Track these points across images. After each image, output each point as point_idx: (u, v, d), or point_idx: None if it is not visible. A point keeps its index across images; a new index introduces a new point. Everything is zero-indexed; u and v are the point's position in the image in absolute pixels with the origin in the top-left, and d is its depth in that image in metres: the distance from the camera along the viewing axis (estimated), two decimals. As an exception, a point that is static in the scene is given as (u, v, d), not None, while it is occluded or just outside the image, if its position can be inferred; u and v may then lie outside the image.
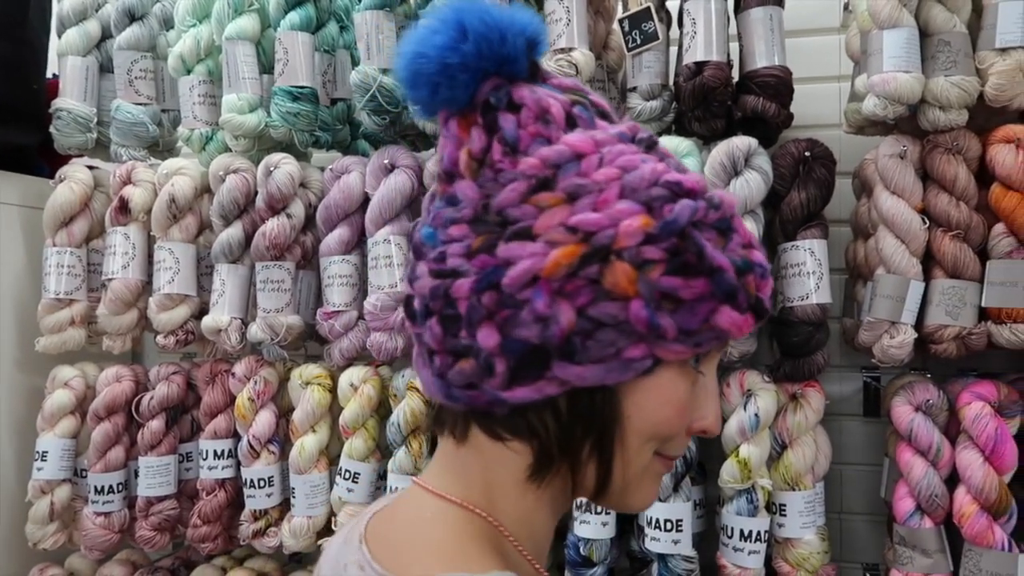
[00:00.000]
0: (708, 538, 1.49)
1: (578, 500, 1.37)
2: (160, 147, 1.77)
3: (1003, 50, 1.27)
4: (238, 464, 1.59)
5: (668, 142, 1.40)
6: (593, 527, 1.39)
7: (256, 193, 1.58)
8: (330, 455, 1.58)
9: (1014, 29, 1.26)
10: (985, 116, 1.36)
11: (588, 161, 0.60)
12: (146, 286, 1.66)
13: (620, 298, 0.57)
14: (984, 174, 1.33)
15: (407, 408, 1.47)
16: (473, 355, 0.59)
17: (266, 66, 1.64)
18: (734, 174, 1.36)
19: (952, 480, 1.32)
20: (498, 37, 0.61)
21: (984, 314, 1.30)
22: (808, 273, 1.35)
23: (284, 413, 1.62)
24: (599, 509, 1.39)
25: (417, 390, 1.48)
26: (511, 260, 0.58)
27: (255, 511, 1.56)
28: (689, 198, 0.60)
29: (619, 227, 0.57)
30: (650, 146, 0.64)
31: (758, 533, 1.35)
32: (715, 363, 0.67)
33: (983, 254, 1.32)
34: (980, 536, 1.25)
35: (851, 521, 1.65)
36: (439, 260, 0.61)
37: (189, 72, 1.64)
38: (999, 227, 1.30)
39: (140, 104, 1.69)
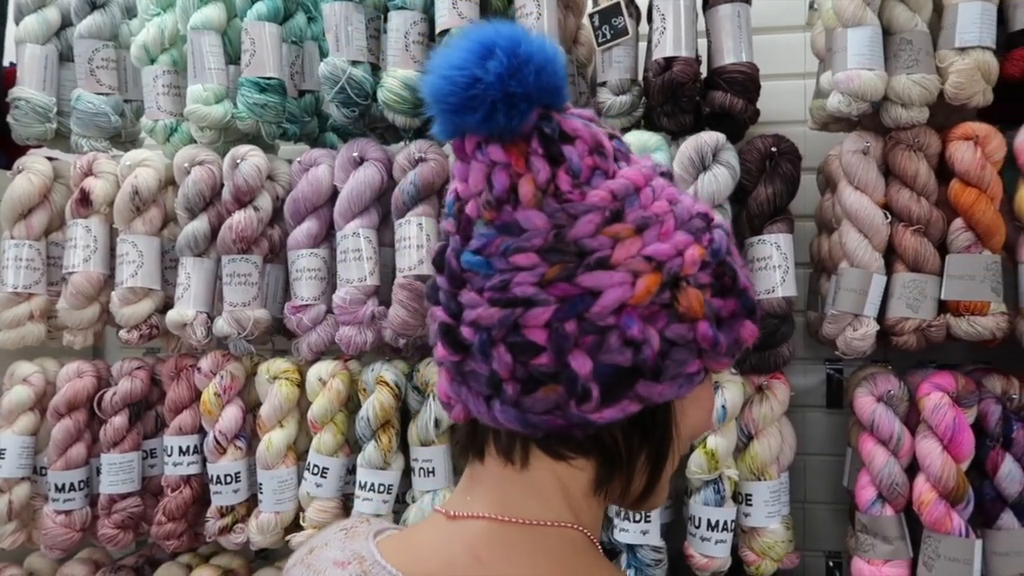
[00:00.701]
0: (676, 528, 1.51)
1: None
2: (123, 138, 1.73)
3: (962, 49, 1.30)
4: (204, 460, 1.57)
5: (637, 137, 1.42)
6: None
7: (222, 185, 1.56)
8: (298, 450, 1.57)
9: (973, 29, 1.29)
10: (945, 114, 1.39)
11: (645, 194, 0.64)
12: (108, 280, 1.63)
13: (689, 320, 0.62)
14: (944, 170, 1.36)
15: (376, 402, 1.46)
16: (562, 381, 0.61)
17: (232, 57, 1.61)
18: (702, 169, 1.37)
19: (912, 469, 1.35)
20: (553, 68, 0.62)
21: (943, 307, 1.34)
22: (774, 267, 1.38)
23: (251, 408, 1.61)
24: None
25: (387, 384, 1.47)
26: (597, 289, 0.60)
27: (221, 507, 1.54)
28: (718, 227, 0.67)
29: (684, 256, 0.63)
30: (670, 177, 0.70)
31: (725, 523, 1.37)
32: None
33: (943, 248, 1.35)
34: (939, 523, 1.28)
35: (815, 510, 1.68)
36: (501, 289, 0.61)
37: (153, 62, 1.61)
38: (958, 222, 1.33)
39: (102, 94, 1.65)
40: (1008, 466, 1.29)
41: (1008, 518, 1.30)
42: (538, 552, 0.65)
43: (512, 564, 0.64)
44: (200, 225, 1.55)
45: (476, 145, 0.64)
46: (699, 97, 1.43)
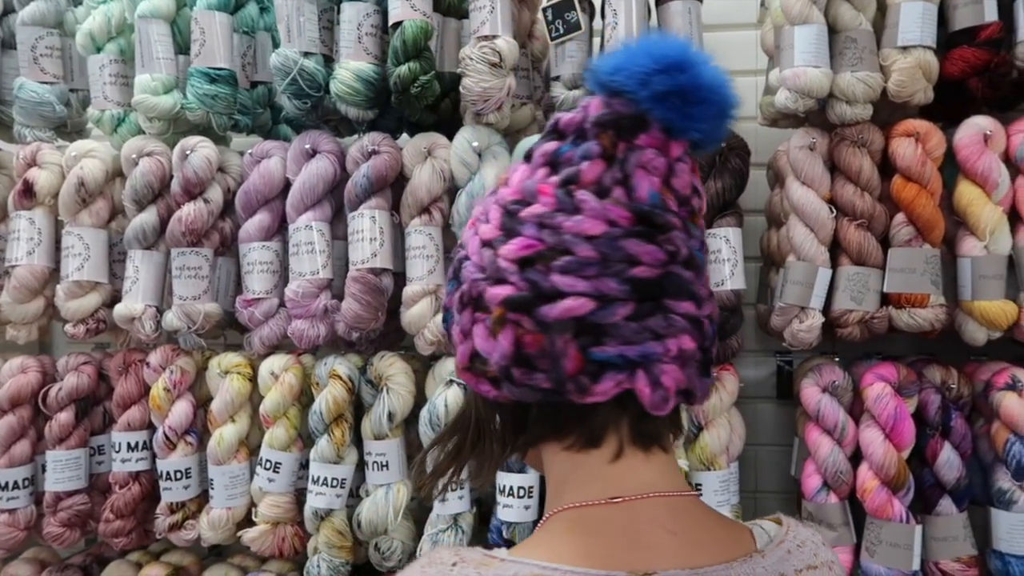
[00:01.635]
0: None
1: (500, 485, 1.39)
2: (68, 128, 1.69)
3: (905, 48, 1.33)
4: (153, 456, 1.55)
5: (590, 131, 1.42)
6: (516, 511, 1.40)
7: (171, 177, 1.53)
8: (250, 445, 1.55)
9: (914, 28, 1.33)
10: (889, 111, 1.42)
11: None
12: (53, 273, 1.59)
13: None
14: (887, 166, 1.40)
15: (329, 396, 1.45)
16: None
17: (182, 46, 1.59)
18: (653, 163, 1.39)
19: (856, 457, 1.38)
20: None
21: (886, 299, 1.37)
22: (723, 260, 1.40)
23: (202, 403, 1.58)
24: (522, 493, 1.41)
25: (340, 378, 1.46)
26: None
27: (171, 504, 1.52)
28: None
29: None
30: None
31: (675, 513, 1.39)
32: None
33: (886, 242, 1.39)
34: (880, 509, 1.32)
35: (765, 499, 1.71)
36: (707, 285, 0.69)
37: (99, 50, 1.58)
38: (899, 216, 1.36)
39: (46, 83, 1.61)
40: (947, 454, 1.33)
41: (946, 504, 1.34)
42: (711, 515, 0.70)
43: (704, 530, 0.67)
44: (149, 217, 1.53)
45: (681, 151, 0.66)
46: (651, 92, 1.44)
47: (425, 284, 1.44)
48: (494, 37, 1.38)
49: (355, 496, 1.53)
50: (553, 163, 0.67)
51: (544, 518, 0.68)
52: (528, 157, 0.70)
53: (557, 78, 1.49)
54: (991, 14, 1.33)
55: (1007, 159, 1.35)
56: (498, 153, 1.47)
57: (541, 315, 0.62)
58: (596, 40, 1.55)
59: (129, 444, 1.53)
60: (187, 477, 1.51)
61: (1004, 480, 1.33)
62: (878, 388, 1.35)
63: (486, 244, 0.66)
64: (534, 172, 0.68)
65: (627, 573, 0.61)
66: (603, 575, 0.61)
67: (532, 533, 0.71)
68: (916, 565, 1.31)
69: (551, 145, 0.68)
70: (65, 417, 1.53)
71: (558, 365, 0.62)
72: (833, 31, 1.37)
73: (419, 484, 0.77)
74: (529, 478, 1.40)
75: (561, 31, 1.46)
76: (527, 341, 0.63)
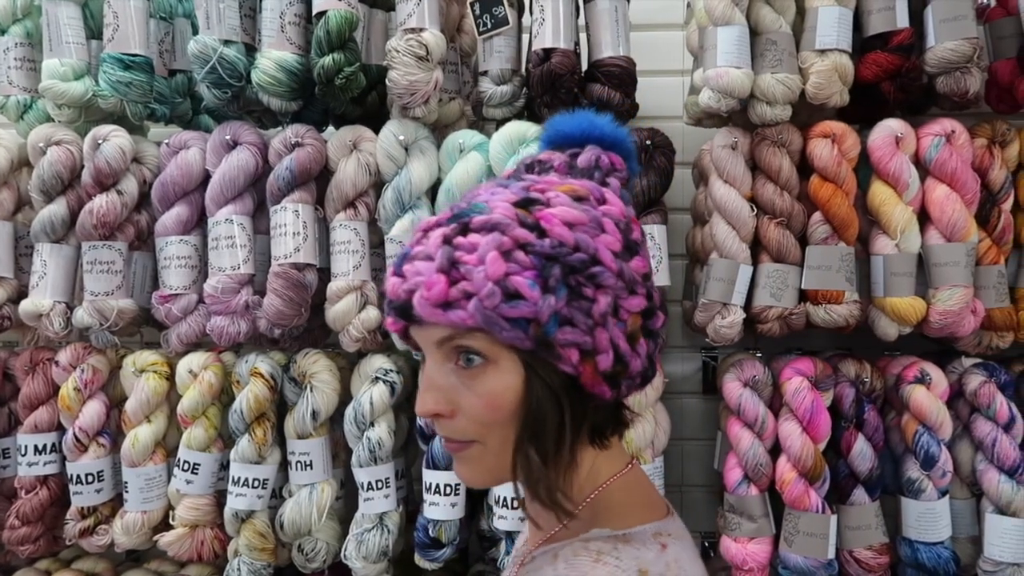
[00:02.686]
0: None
1: (427, 483, 1.38)
2: (-29, 115, 1.60)
3: (822, 51, 1.37)
4: (63, 459, 1.48)
5: (518, 127, 1.42)
6: (442, 508, 1.39)
7: (82, 167, 1.47)
8: (167, 447, 1.50)
9: (831, 32, 1.36)
10: (808, 113, 1.46)
11: None
12: (-46, 267, 1.50)
13: None
14: (806, 166, 1.44)
15: (250, 394, 1.41)
16: None
17: (94, 31, 1.52)
18: (580, 160, 1.39)
19: (776, 450, 1.42)
20: None
21: (804, 296, 1.41)
22: (649, 256, 1.41)
23: (116, 403, 1.52)
24: (448, 491, 1.40)
25: (261, 375, 1.42)
26: None
27: (82, 508, 1.45)
28: None
29: None
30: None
31: (601, 507, 1.40)
32: (429, 357, 0.73)
33: (804, 241, 1.42)
34: (798, 500, 1.35)
35: (691, 492, 1.74)
36: None
37: (3, 33, 1.50)
38: (817, 215, 1.40)
39: (-55, 66, 1.52)
40: (860, 445, 1.38)
41: (860, 494, 1.38)
42: None
43: None
44: (57, 209, 1.46)
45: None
46: (578, 89, 1.45)
47: (350, 280, 1.41)
48: (421, 30, 1.36)
49: (278, 497, 1.49)
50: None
51: (590, 497, 0.78)
52: (590, 176, 0.79)
53: (485, 73, 1.48)
54: (903, 20, 1.38)
55: (917, 161, 1.40)
56: (425, 148, 1.45)
57: (653, 324, 0.75)
58: (524, 36, 1.55)
59: (36, 447, 1.46)
60: (99, 480, 1.45)
61: (913, 470, 1.38)
62: (796, 382, 1.38)
63: (617, 255, 0.72)
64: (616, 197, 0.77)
65: (668, 507, 0.83)
66: (668, 517, 0.81)
67: (586, 511, 0.78)
68: (831, 554, 1.35)
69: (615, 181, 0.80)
70: (-34, 419, 1.45)
71: (652, 368, 0.76)
72: (755, 33, 1.40)
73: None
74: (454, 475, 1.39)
75: (489, 26, 1.45)
76: (650, 349, 0.75)
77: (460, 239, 0.68)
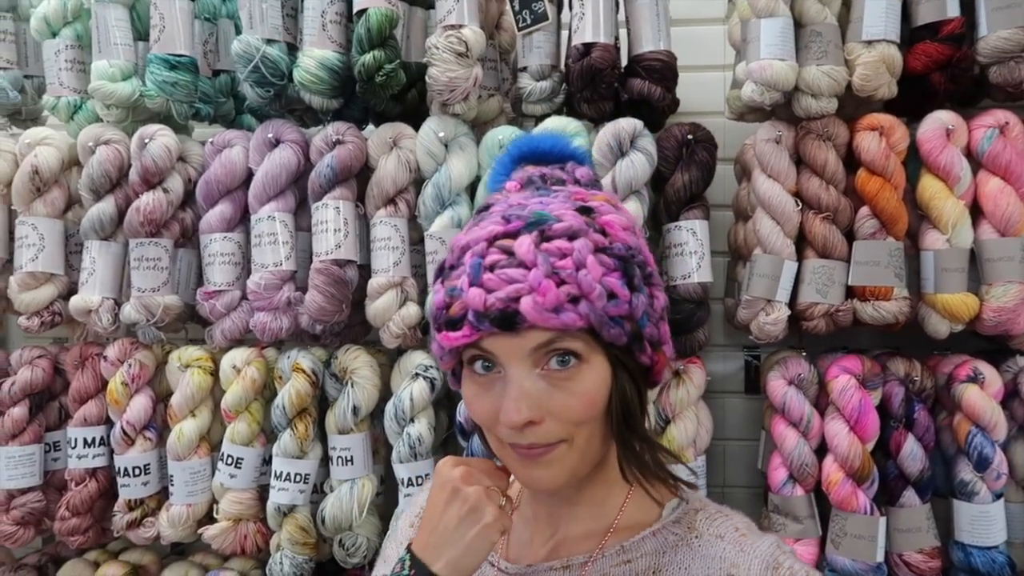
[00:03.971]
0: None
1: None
2: (23, 116, 1.65)
3: (869, 42, 1.34)
4: (111, 452, 1.51)
5: (557, 122, 1.42)
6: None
7: (130, 166, 1.50)
8: (211, 441, 1.52)
9: (878, 23, 1.33)
10: (854, 105, 1.43)
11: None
12: (7, 264, 1.55)
13: None
14: (852, 160, 1.41)
15: (292, 390, 1.42)
16: None
17: (141, 32, 1.55)
18: (620, 155, 1.38)
19: (822, 450, 1.39)
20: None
21: (851, 292, 1.38)
22: (690, 253, 1.40)
23: (162, 398, 1.55)
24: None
25: (303, 371, 1.44)
26: None
27: (130, 501, 1.48)
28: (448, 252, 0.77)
29: None
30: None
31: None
32: (515, 366, 0.73)
33: (850, 236, 1.39)
34: (845, 501, 1.32)
35: (733, 494, 1.71)
36: None
37: (54, 35, 1.53)
38: (864, 210, 1.37)
39: (-1, 68, 1.57)
40: (910, 446, 1.34)
41: (910, 495, 1.34)
42: None
43: None
44: (106, 207, 1.49)
45: None
46: (618, 84, 1.44)
47: (391, 276, 1.42)
48: (460, 26, 1.36)
49: (319, 492, 1.50)
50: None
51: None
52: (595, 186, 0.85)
53: (524, 69, 1.47)
54: (953, 9, 1.34)
55: (969, 153, 1.37)
56: (465, 144, 1.45)
57: None
58: (564, 32, 1.54)
59: (86, 440, 1.49)
60: (146, 473, 1.48)
61: (966, 472, 1.34)
62: (843, 381, 1.35)
63: (649, 253, 0.79)
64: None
65: None
66: None
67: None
68: (880, 557, 1.32)
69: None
70: (18, 412, 1.49)
71: None
72: (799, 25, 1.37)
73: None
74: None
75: (528, 21, 1.44)
76: None
77: (547, 245, 0.71)
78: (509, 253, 0.71)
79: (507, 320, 0.69)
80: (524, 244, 0.70)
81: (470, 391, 0.76)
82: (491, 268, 0.70)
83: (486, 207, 0.79)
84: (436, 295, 0.75)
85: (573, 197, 0.77)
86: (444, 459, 0.81)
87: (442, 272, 0.76)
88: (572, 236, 0.71)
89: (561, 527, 0.84)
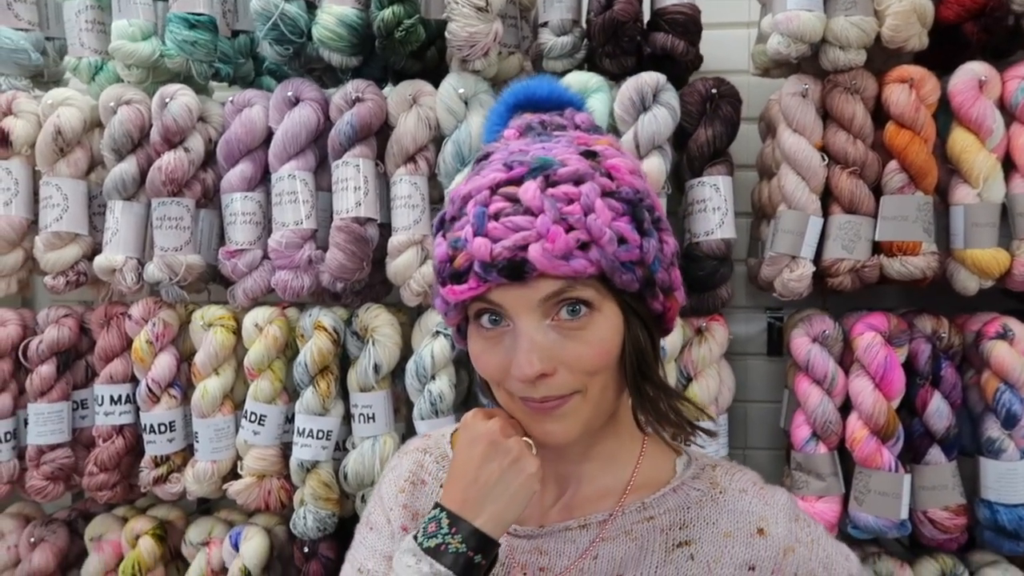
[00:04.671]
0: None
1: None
2: (45, 78, 1.65)
3: (899, -9, 1.30)
4: (137, 410, 1.53)
5: (579, 77, 1.40)
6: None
7: (151, 126, 1.50)
8: (235, 399, 1.53)
9: (910, -29, 1.29)
10: (883, 58, 1.40)
11: None
12: (32, 225, 1.56)
13: None
14: (880, 115, 1.37)
15: (314, 347, 1.43)
16: None
17: (160, -8, 1.55)
18: (642, 109, 1.36)
19: (846, 408, 1.37)
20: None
21: (877, 248, 1.36)
22: (713, 209, 1.38)
23: (186, 357, 1.56)
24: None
25: (324, 329, 1.44)
26: None
27: (156, 457, 1.50)
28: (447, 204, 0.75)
29: None
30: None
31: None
32: (524, 318, 0.70)
33: (877, 191, 1.36)
34: (869, 458, 1.31)
35: (755, 455, 1.71)
36: None
37: (75, -5, 1.53)
38: (892, 164, 1.34)
39: (20, 30, 1.57)
40: (936, 403, 1.32)
41: (936, 453, 1.33)
42: None
43: None
44: (128, 167, 1.50)
45: None
46: (640, 38, 1.41)
47: (411, 234, 1.42)
48: (480, -20, 1.34)
49: (341, 449, 1.51)
50: None
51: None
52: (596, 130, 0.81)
53: (545, 24, 1.45)
54: (988, -45, 1.30)
55: (1002, 106, 1.33)
56: (484, 101, 1.43)
57: None
58: (586, -14, 1.52)
59: (112, 397, 1.51)
60: (171, 430, 1.50)
61: (993, 429, 1.32)
62: (868, 337, 1.33)
63: (656, 199, 0.77)
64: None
65: None
66: None
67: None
68: (904, 514, 1.31)
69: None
70: (46, 370, 1.51)
71: None
72: (827, -26, 1.34)
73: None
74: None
75: (549, -26, 1.42)
76: None
77: (553, 191, 0.68)
78: (514, 200, 0.68)
79: (515, 269, 0.67)
80: (530, 190, 0.68)
81: (477, 347, 0.74)
82: (496, 216, 0.68)
83: (485, 156, 0.76)
84: (438, 248, 0.73)
85: (576, 141, 0.74)
86: (472, 412, 0.79)
87: (443, 224, 0.74)
88: (578, 180, 0.69)
89: (571, 487, 0.83)
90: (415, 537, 0.72)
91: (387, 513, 0.87)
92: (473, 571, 0.70)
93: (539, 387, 0.70)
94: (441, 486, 0.85)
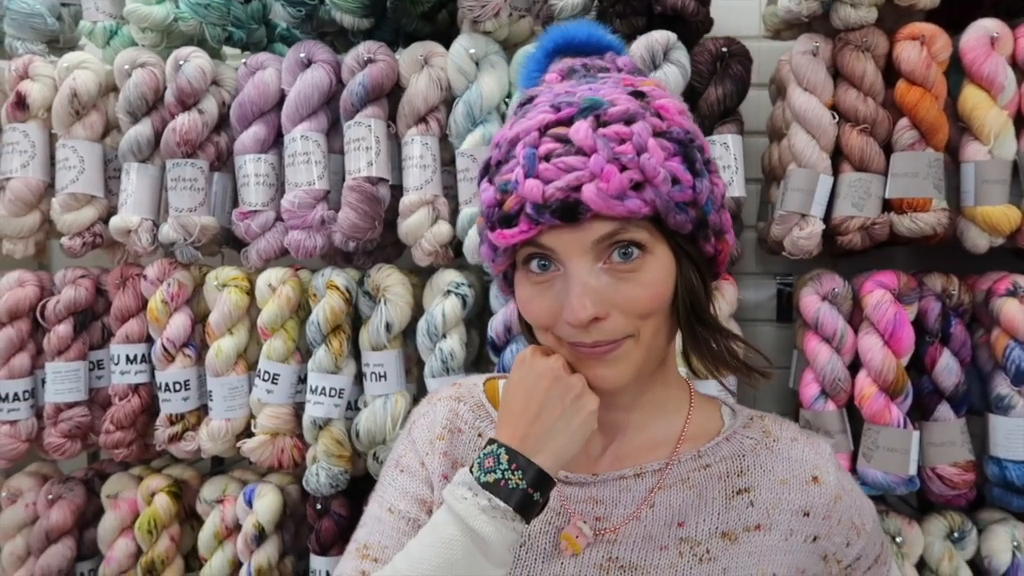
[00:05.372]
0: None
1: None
2: (61, 44, 1.67)
3: (911, -53, 1.30)
4: (152, 371, 1.55)
5: (589, 37, 1.40)
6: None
7: (165, 88, 1.51)
8: (249, 360, 1.55)
9: (922, -73, 1.29)
10: (894, 18, 1.39)
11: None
12: (49, 188, 1.58)
13: None
14: (890, 75, 1.37)
15: (327, 306, 1.44)
16: None
17: (174, -45, 1.56)
18: (653, 67, 1.37)
19: (855, 367, 1.38)
20: None
21: (887, 206, 1.36)
22: (723, 167, 1.38)
23: (200, 319, 1.58)
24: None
25: (337, 288, 1.46)
26: None
27: (171, 415, 1.52)
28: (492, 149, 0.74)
29: None
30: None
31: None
32: (575, 261, 0.70)
33: (888, 150, 1.36)
34: (878, 415, 1.32)
35: (763, 420, 1.71)
36: None
37: (90, -41, 1.55)
38: (903, 121, 1.34)
39: (37, -6, 1.59)
40: (946, 360, 1.33)
41: (944, 410, 1.33)
42: None
43: None
44: (143, 129, 1.51)
45: None
46: (651, -3, 1.41)
47: (422, 194, 1.43)
48: (491, -62, 1.35)
49: (353, 409, 1.53)
50: None
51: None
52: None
53: (556, -15, 1.45)
54: (1001, -90, 1.29)
55: (1014, 63, 1.33)
56: (496, 62, 1.44)
57: None
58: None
59: (128, 356, 1.53)
60: (186, 389, 1.52)
61: (1003, 386, 1.32)
62: (878, 295, 1.34)
63: (704, 139, 0.76)
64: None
65: None
66: None
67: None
68: (913, 470, 1.31)
69: None
70: (63, 329, 1.53)
71: None
72: (839, -69, 1.33)
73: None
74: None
75: (560, -66, 1.42)
76: None
77: (605, 130, 0.68)
78: (565, 141, 0.67)
79: (569, 211, 0.66)
80: (581, 130, 0.67)
81: (526, 292, 0.73)
82: (547, 157, 0.67)
83: (528, 99, 0.75)
84: (484, 194, 0.72)
85: (623, 83, 0.73)
86: (528, 349, 0.77)
87: (488, 170, 0.73)
88: (629, 120, 0.68)
89: (619, 436, 0.83)
90: (470, 470, 0.71)
91: (421, 458, 0.86)
92: (530, 507, 0.70)
93: (591, 331, 0.70)
94: (479, 435, 0.85)
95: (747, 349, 0.81)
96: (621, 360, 0.72)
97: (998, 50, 1.31)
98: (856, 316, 1.40)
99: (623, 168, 0.66)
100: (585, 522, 0.79)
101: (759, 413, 0.87)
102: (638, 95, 0.71)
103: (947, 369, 1.32)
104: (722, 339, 0.76)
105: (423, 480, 0.85)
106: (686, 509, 0.78)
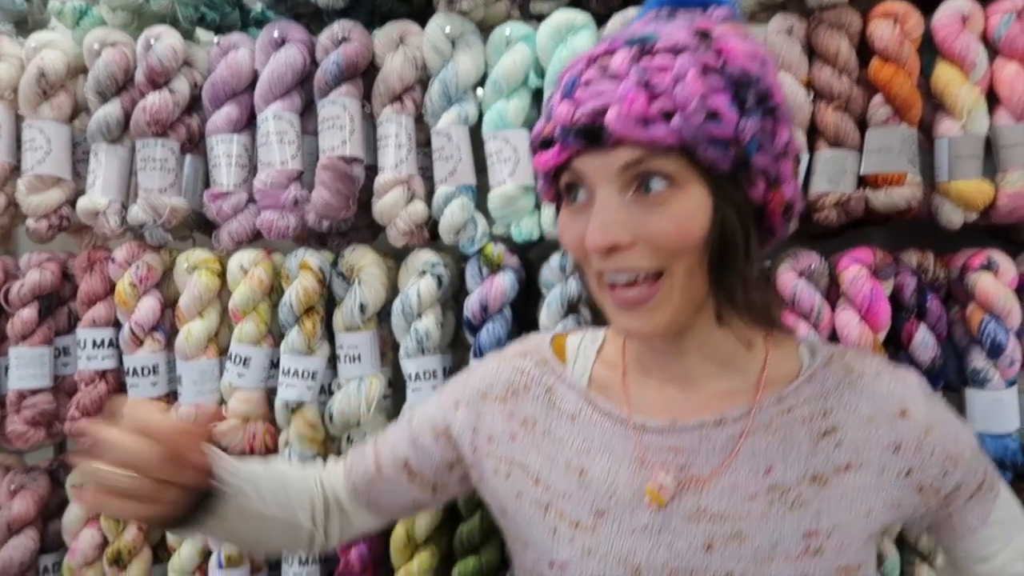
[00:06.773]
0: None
1: None
2: (30, 24, 1.64)
3: (883, -75, 1.31)
4: (120, 356, 1.51)
5: (565, 15, 1.40)
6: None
7: (136, 68, 1.49)
8: (220, 345, 1.52)
9: (893, -96, 1.30)
10: (868, -1, 1.41)
11: None
12: (15, 171, 1.54)
13: None
14: (864, 54, 1.38)
15: (300, 287, 1.42)
16: None
17: (145, -65, 1.54)
18: (629, 44, 1.36)
19: (832, 342, 1.37)
20: None
21: (863, 183, 1.36)
22: (700, 144, 1.37)
23: (170, 303, 1.55)
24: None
25: (310, 268, 1.43)
26: None
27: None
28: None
29: None
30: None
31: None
32: (602, 188, 0.70)
33: (862, 128, 1.37)
34: (856, 391, 1.31)
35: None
36: None
37: (59, -62, 1.53)
38: (877, 98, 1.35)
39: (4, -26, 1.56)
40: (922, 334, 1.32)
41: (921, 385, 1.33)
42: None
43: None
44: (112, 110, 1.48)
45: None
46: (626, -25, 1.41)
47: (397, 172, 1.41)
48: (466, -85, 1.34)
49: (327, 393, 1.50)
50: None
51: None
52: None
53: (532, -35, 1.45)
54: None
55: (986, 41, 1.34)
56: (471, 42, 1.43)
57: (796, 169, 0.80)
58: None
59: (95, 341, 1.49)
60: (154, 374, 1.48)
61: (979, 360, 1.32)
62: (854, 271, 1.34)
63: (779, 90, 0.73)
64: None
65: None
66: None
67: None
68: (891, 445, 1.30)
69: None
70: (28, 313, 1.49)
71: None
72: (811, -90, 1.35)
73: None
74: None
75: (535, -87, 1.42)
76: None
77: (647, 60, 0.67)
78: (605, 68, 0.69)
79: (592, 133, 0.67)
80: (619, 58, 0.68)
81: (562, 222, 0.75)
82: (586, 84, 0.69)
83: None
84: (538, 125, 0.74)
85: (696, 24, 0.72)
86: None
87: (547, 104, 0.75)
88: (676, 52, 0.68)
89: (691, 386, 0.81)
90: None
91: (458, 399, 0.92)
92: None
93: (616, 260, 0.70)
94: (548, 389, 0.86)
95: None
96: (657, 307, 0.72)
97: (969, 28, 1.32)
98: (833, 293, 1.39)
99: (654, 96, 0.66)
100: (668, 472, 0.77)
101: (840, 348, 0.84)
102: (703, 34, 0.70)
103: (923, 343, 1.32)
104: (744, 291, 0.73)
105: (449, 409, 0.92)
106: (772, 455, 0.77)
